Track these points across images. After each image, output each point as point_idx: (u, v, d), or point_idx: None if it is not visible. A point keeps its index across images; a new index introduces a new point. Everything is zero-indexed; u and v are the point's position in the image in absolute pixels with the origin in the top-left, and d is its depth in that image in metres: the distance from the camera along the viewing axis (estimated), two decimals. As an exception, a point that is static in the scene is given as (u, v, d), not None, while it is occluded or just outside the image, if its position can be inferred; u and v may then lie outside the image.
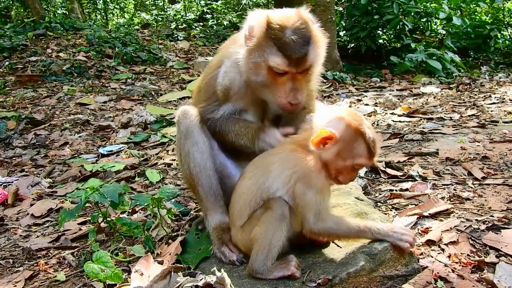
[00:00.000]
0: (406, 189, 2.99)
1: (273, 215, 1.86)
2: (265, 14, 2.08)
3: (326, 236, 1.96)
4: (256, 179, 1.97)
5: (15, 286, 2.30)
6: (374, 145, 1.86)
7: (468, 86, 8.09)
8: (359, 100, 7.17)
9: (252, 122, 2.29)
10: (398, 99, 7.03)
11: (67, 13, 16.20)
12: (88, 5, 21.04)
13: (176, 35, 12.82)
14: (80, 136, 5.50)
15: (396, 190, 3.00)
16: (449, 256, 2.09)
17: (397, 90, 8.28)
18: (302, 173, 1.88)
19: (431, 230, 2.35)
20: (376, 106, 6.44)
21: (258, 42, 2.05)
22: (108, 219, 2.68)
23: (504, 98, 6.38)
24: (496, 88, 7.58)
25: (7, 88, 7.79)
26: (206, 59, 8.98)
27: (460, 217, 2.46)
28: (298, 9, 2.14)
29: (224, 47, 2.48)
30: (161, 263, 2.23)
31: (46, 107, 6.82)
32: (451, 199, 2.74)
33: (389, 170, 3.34)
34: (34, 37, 10.52)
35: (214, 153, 2.35)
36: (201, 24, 15.42)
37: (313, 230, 1.88)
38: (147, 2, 22.21)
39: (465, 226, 2.36)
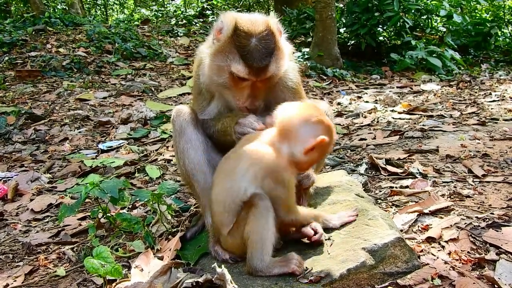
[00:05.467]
0: (406, 186, 2.99)
1: (257, 210, 1.86)
2: (234, 18, 2.11)
3: (293, 226, 2.07)
4: (222, 185, 1.99)
5: (15, 281, 2.30)
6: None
7: (468, 83, 8.08)
8: (359, 97, 7.16)
9: (234, 113, 2.29)
10: (398, 96, 7.03)
11: (67, 8, 16.14)
12: (88, 0, 20.97)
13: (176, 31, 12.77)
14: (79, 132, 5.49)
15: (396, 187, 3.00)
16: (449, 253, 2.09)
17: (397, 87, 8.26)
18: (269, 169, 1.89)
19: (431, 227, 2.36)
20: (376, 103, 6.43)
21: (223, 46, 2.11)
22: (108, 214, 2.68)
23: (504, 96, 6.38)
24: (496, 86, 7.57)
25: (7, 83, 7.77)
26: (206, 56, 8.95)
27: (460, 215, 2.46)
28: (267, 17, 2.17)
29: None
30: (161, 258, 2.24)
31: (46, 102, 6.81)
32: (451, 197, 2.74)
33: (389, 167, 3.34)
34: (33, 32, 10.48)
35: (209, 150, 2.38)
36: (201, 20, 15.38)
37: (284, 221, 1.97)
38: (147, -2, 22.15)
39: (465, 223, 2.36)
